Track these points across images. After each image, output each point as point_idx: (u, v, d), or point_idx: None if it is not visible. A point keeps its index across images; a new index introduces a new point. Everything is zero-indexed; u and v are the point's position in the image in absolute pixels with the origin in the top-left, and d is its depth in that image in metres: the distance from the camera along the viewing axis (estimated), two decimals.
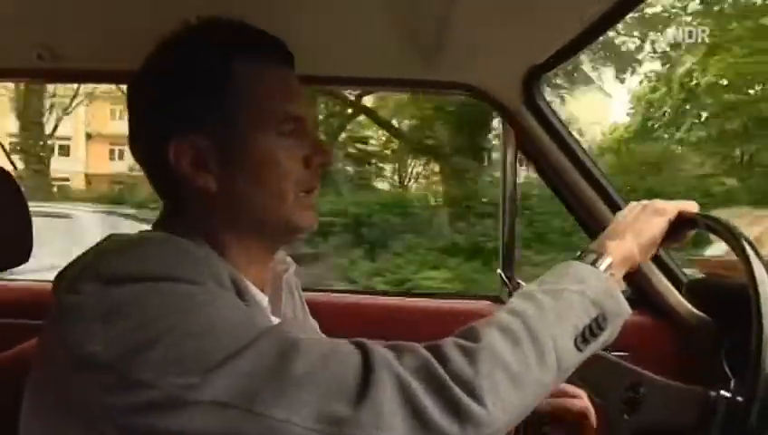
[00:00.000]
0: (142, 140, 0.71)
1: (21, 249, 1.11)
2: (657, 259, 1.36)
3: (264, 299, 0.73)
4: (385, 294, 1.70)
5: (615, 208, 1.30)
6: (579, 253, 0.70)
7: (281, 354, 0.53)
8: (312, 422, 0.51)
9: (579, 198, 1.35)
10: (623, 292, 1.46)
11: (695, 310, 1.35)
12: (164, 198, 0.73)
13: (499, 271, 1.53)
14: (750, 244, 0.66)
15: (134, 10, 1.05)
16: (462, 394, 0.53)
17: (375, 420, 0.51)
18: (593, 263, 0.67)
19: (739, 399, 0.60)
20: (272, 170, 0.68)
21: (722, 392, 0.64)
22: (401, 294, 1.71)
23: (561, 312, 0.61)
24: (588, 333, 0.61)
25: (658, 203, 0.75)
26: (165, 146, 0.66)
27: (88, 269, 0.58)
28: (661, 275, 1.37)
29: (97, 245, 0.62)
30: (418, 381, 0.53)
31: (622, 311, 0.65)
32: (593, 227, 1.35)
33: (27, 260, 1.12)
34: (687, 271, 1.40)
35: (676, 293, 1.37)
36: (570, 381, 0.83)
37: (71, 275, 0.59)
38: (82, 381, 0.53)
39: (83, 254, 0.61)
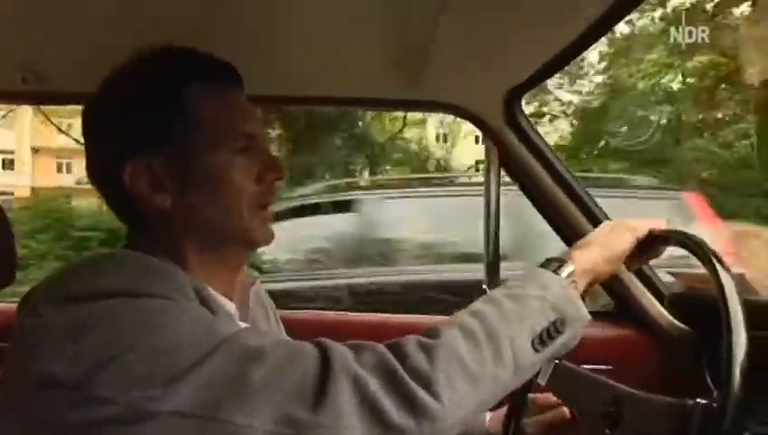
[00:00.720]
0: (98, 164, 0.73)
1: (4, 271, 1.10)
2: (638, 273, 1.38)
3: (231, 306, 0.74)
4: (369, 311, 1.70)
5: (596, 223, 1.32)
6: (544, 260, 0.73)
7: (241, 362, 0.54)
8: (272, 426, 0.52)
9: (561, 214, 1.37)
10: (606, 305, 1.49)
11: (676, 322, 1.37)
12: (121, 219, 0.75)
13: (484, 286, 1.55)
14: (718, 258, 0.68)
15: (118, 33, 1.06)
16: (418, 389, 0.55)
17: (334, 420, 0.53)
18: (556, 270, 0.70)
19: (714, 405, 0.62)
20: (226, 188, 0.70)
21: (698, 400, 0.66)
22: (385, 311, 1.71)
23: (520, 314, 0.63)
24: (545, 336, 0.64)
25: (630, 221, 0.79)
26: (120, 169, 0.69)
27: (48, 291, 0.59)
28: (643, 289, 1.39)
29: (59, 267, 0.64)
30: (376, 378, 0.55)
31: (581, 316, 0.67)
32: (575, 242, 1.37)
33: (11, 283, 1.12)
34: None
35: (659, 306, 1.39)
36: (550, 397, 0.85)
37: (32, 299, 0.60)
38: (46, 401, 0.54)
39: (46, 278, 0.63)
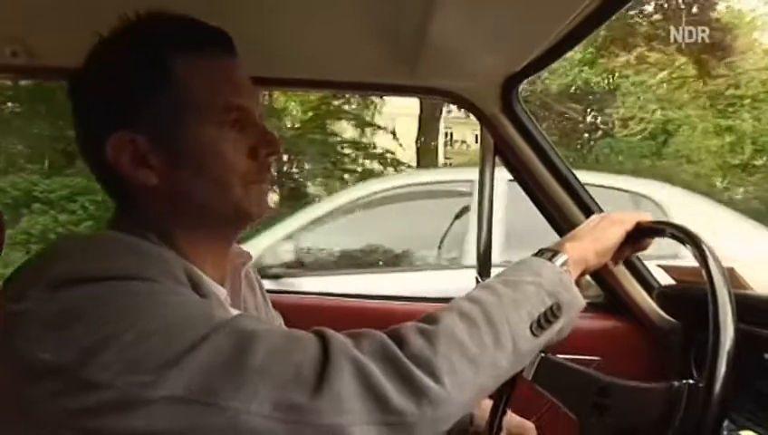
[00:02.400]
0: (83, 139, 0.71)
1: None
2: (628, 265, 1.39)
3: (222, 292, 0.73)
4: (362, 297, 1.70)
5: (588, 213, 1.33)
6: (537, 250, 0.73)
7: (238, 346, 0.53)
8: (270, 410, 0.51)
9: (553, 203, 1.37)
10: (595, 297, 1.50)
11: (665, 315, 1.38)
12: (110, 196, 0.72)
13: (476, 275, 1.55)
14: (708, 248, 0.68)
15: (111, 6, 1.04)
16: (420, 373, 0.54)
17: (334, 406, 0.52)
18: (550, 259, 0.70)
19: (700, 385, 0.63)
20: (214, 162, 0.68)
21: (684, 381, 0.67)
22: (380, 297, 1.71)
23: (518, 300, 0.64)
24: (543, 321, 0.64)
25: (618, 214, 0.79)
26: (103, 142, 0.66)
27: (34, 274, 0.57)
28: (634, 281, 1.40)
29: (43, 248, 0.61)
30: (376, 363, 0.54)
31: (576, 302, 0.68)
32: (567, 231, 1.37)
33: None
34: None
35: (648, 298, 1.40)
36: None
37: (17, 282, 0.58)
38: (37, 390, 0.52)
39: (29, 259, 0.60)
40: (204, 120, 0.67)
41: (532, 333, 0.63)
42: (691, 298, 1.25)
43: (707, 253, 0.68)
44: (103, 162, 0.67)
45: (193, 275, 0.63)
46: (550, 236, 1.31)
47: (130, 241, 0.62)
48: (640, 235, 0.78)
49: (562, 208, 1.37)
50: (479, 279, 1.54)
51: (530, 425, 0.98)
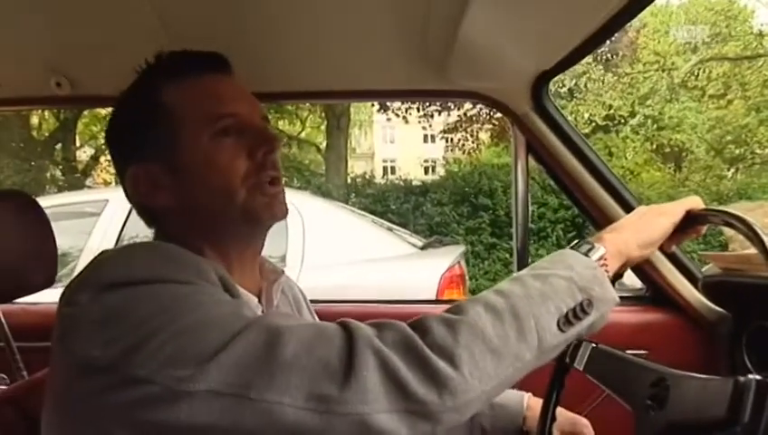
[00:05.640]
0: (115, 170, 0.80)
1: (46, 272, 1.13)
2: (671, 257, 1.37)
3: (253, 299, 0.77)
4: (389, 302, 1.71)
5: (628, 209, 1.31)
6: (574, 243, 0.72)
7: (268, 340, 0.56)
8: (302, 402, 0.54)
9: (592, 200, 1.36)
10: (639, 290, 1.48)
11: (712, 306, 1.35)
12: (145, 222, 0.80)
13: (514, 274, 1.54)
14: (765, 234, 0.67)
15: (146, 37, 1.08)
16: (440, 362, 0.56)
17: (360, 396, 0.54)
18: (587, 252, 0.69)
19: None
20: (215, 171, 0.73)
21: (750, 376, 0.65)
22: (406, 302, 1.72)
23: (546, 294, 0.63)
24: (572, 316, 0.63)
25: (664, 205, 0.78)
26: (124, 174, 0.76)
27: (82, 281, 0.62)
28: (677, 273, 1.38)
29: (92, 259, 0.66)
30: (398, 353, 0.56)
31: (609, 298, 0.67)
32: (605, 227, 1.36)
33: (51, 284, 1.15)
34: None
35: (693, 289, 1.37)
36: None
37: (69, 290, 0.63)
38: (86, 387, 0.56)
39: (82, 269, 0.65)
40: (196, 133, 0.73)
41: (560, 328, 0.62)
42: (740, 287, 1.22)
43: (764, 237, 0.66)
44: (128, 193, 0.77)
45: (224, 278, 0.68)
46: None
47: (168, 248, 0.68)
48: (692, 223, 0.76)
49: (599, 203, 1.36)
50: None
51: (584, 421, 0.96)
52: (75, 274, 0.64)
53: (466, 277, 3.18)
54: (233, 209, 0.73)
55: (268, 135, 0.76)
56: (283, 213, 0.77)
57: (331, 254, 2.97)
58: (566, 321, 0.63)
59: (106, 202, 3.31)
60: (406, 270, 2.96)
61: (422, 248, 3.40)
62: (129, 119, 0.76)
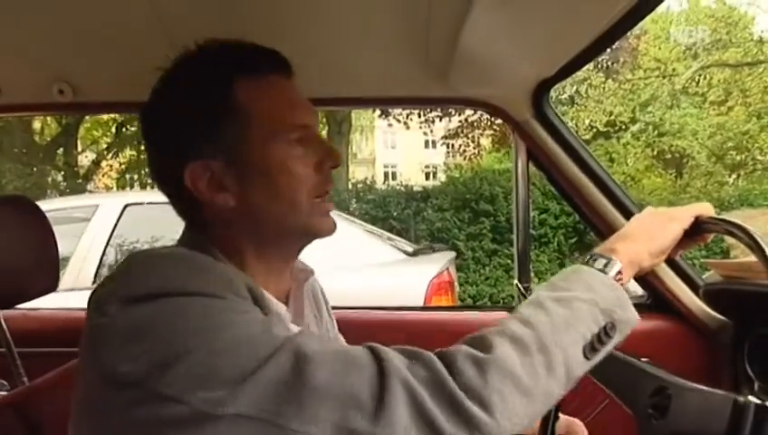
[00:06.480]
0: (159, 168, 0.74)
1: (48, 277, 1.13)
2: (672, 264, 1.37)
3: (282, 309, 0.75)
4: (397, 309, 1.70)
5: (629, 216, 1.31)
6: (588, 256, 0.70)
7: (298, 367, 0.54)
8: (330, 434, 0.52)
9: (592, 207, 1.36)
10: (639, 297, 1.47)
11: (714, 313, 1.35)
12: (185, 220, 0.75)
13: (516, 282, 1.54)
14: (766, 245, 0.67)
15: (149, 43, 1.09)
16: (472, 406, 0.55)
17: (389, 431, 0.53)
18: (603, 268, 0.68)
19: None
20: (286, 180, 0.70)
21: (750, 398, 0.65)
22: (416, 308, 1.72)
23: (571, 321, 0.62)
24: (596, 342, 0.62)
25: (674, 210, 0.77)
26: (180, 172, 0.69)
27: (111, 291, 0.60)
28: (678, 280, 1.37)
29: (119, 265, 0.65)
30: (428, 391, 0.55)
31: (631, 319, 0.66)
32: (608, 236, 1.36)
33: (55, 289, 1.15)
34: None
35: (694, 297, 1.37)
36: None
37: (96, 298, 0.61)
38: (113, 399, 0.55)
39: (109, 276, 0.64)
40: (271, 139, 0.70)
41: (585, 356, 0.61)
42: (741, 295, 1.22)
43: (766, 248, 0.66)
44: (181, 189, 0.70)
45: (254, 290, 0.65)
46: None
47: (198, 258, 0.65)
48: (698, 230, 0.75)
49: (600, 210, 1.36)
50: (519, 286, 1.53)
51: (579, 424, 0.96)
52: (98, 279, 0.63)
53: (456, 284, 3.18)
54: (295, 220, 0.72)
55: (334, 151, 0.75)
56: (333, 230, 0.76)
57: (317, 260, 2.93)
58: (591, 348, 0.62)
59: (96, 207, 3.34)
60: (394, 276, 2.96)
61: (412, 255, 3.41)
62: (194, 109, 0.70)
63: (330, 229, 0.75)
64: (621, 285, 0.68)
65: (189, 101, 0.70)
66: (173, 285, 0.59)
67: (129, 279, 0.61)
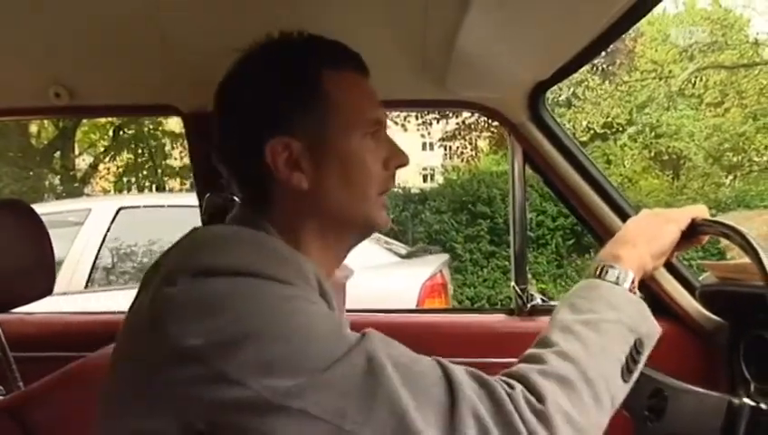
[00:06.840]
0: (236, 141, 0.74)
1: (45, 281, 1.13)
2: (668, 265, 1.37)
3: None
4: (391, 311, 1.70)
5: (625, 218, 1.32)
6: (597, 268, 0.70)
7: (370, 372, 0.53)
8: None
9: (588, 209, 1.36)
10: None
11: (710, 315, 1.35)
12: (252, 196, 0.75)
13: (513, 284, 1.54)
14: (760, 247, 0.67)
15: (145, 46, 1.09)
16: None
17: None
18: (617, 280, 0.68)
19: (763, 406, 0.62)
20: (359, 171, 0.72)
21: (745, 400, 0.65)
22: (414, 311, 1.72)
23: (606, 347, 0.62)
24: (631, 363, 0.63)
25: (671, 212, 0.77)
26: (261, 147, 0.70)
27: (183, 262, 0.60)
28: (674, 281, 1.38)
29: (186, 237, 0.64)
30: (498, 428, 0.54)
31: (655, 332, 0.67)
32: (605, 238, 1.37)
33: (50, 294, 1.15)
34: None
35: (690, 298, 1.37)
36: None
37: (166, 268, 0.60)
38: (176, 373, 0.54)
39: (174, 246, 0.63)
40: (350, 130, 0.72)
41: (623, 379, 0.62)
42: (737, 296, 1.22)
43: (761, 252, 0.67)
44: (258, 164, 0.70)
45: (321, 281, 0.64)
46: None
47: (268, 240, 0.65)
48: (694, 232, 0.76)
49: (596, 212, 1.36)
50: (516, 288, 1.53)
51: None
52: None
53: (449, 286, 3.19)
54: (360, 212, 0.73)
55: (402, 150, 0.77)
56: (389, 225, 0.77)
57: None
58: (627, 370, 0.62)
59: (89, 211, 3.34)
60: (386, 279, 2.96)
61: (405, 257, 3.40)
62: (284, 88, 0.71)
63: (386, 224, 0.76)
64: (640, 298, 0.68)
65: (281, 81, 0.72)
66: (245, 263, 0.58)
67: (200, 253, 0.60)
